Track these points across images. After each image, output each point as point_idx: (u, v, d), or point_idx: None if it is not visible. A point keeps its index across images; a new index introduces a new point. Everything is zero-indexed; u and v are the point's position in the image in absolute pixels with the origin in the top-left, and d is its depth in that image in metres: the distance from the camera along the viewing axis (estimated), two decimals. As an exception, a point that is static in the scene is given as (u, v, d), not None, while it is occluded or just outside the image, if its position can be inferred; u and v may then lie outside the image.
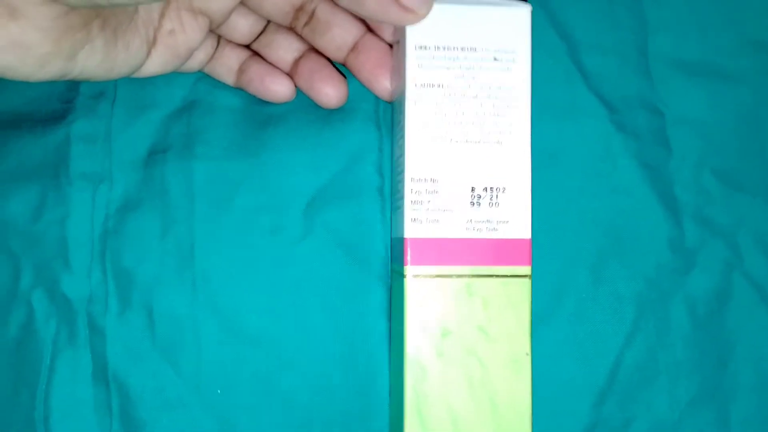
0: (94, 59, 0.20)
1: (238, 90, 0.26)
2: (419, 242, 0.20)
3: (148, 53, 0.22)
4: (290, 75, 0.25)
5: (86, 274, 0.25)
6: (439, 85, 0.21)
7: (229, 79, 0.25)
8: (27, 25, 0.17)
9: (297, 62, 0.25)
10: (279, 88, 0.25)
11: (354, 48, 0.24)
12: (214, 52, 0.25)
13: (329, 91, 0.24)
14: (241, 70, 0.25)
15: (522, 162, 0.21)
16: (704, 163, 0.27)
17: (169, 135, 0.26)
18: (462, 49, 0.21)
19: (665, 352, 0.26)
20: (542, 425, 0.25)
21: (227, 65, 0.25)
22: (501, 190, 0.21)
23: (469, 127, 0.21)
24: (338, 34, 0.24)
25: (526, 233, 0.21)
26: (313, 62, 0.25)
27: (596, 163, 0.27)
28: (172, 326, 0.24)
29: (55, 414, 0.24)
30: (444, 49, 0.21)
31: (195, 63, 0.24)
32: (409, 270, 0.20)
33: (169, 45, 0.22)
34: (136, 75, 0.22)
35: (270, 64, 0.25)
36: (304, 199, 0.25)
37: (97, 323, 0.24)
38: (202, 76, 0.26)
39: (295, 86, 0.25)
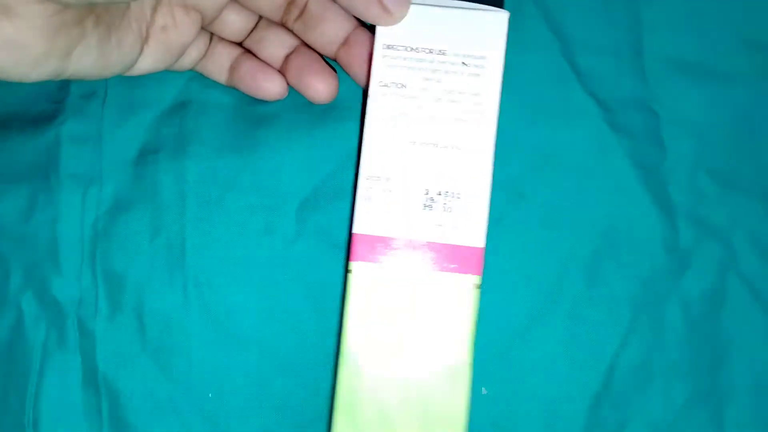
0: (89, 57, 0.20)
1: (230, 89, 0.26)
2: (366, 239, 0.20)
3: (141, 50, 0.21)
4: (282, 71, 0.25)
5: (76, 276, 0.25)
6: (402, 85, 0.21)
7: (221, 77, 0.25)
8: (22, 25, 0.17)
9: (288, 58, 0.25)
10: (271, 86, 0.25)
11: (345, 42, 0.24)
12: (207, 51, 0.25)
13: (319, 86, 0.24)
14: (233, 68, 0.25)
15: (482, 169, 0.21)
16: (699, 163, 0.27)
17: (160, 135, 0.26)
18: (431, 51, 0.21)
19: (660, 353, 0.26)
20: (537, 427, 0.25)
21: (219, 63, 0.25)
22: (456, 196, 0.21)
23: (428, 130, 0.21)
24: (329, 29, 0.24)
25: (479, 242, 0.20)
26: (303, 57, 0.24)
27: (590, 163, 0.27)
28: (162, 329, 0.24)
29: (45, 418, 0.24)
30: (413, 50, 0.21)
31: (187, 61, 0.24)
32: (354, 266, 0.20)
33: (162, 41, 0.22)
34: (129, 73, 0.22)
35: (262, 61, 0.25)
36: (297, 200, 0.25)
37: (86, 326, 0.24)
38: (194, 75, 0.26)
39: (288, 84, 0.25)
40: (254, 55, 0.25)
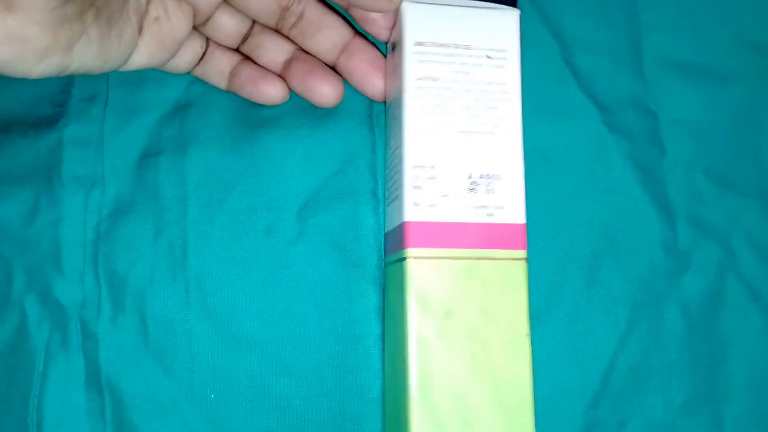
0: (90, 51, 0.20)
1: (230, 93, 0.26)
2: (420, 225, 0.21)
3: (136, 44, 0.22)
4: (283, 77, 0.25)
5: (79, 278, 0.25)
6: (435, 79, 0.22)
7: (221, 83, 0.25)
8: (25, 18, 0.17)
9: (289, 63, 0.25)
10: (272, 91, 0.25)
11: (345, 50, 0.24)
12: (204, 54, 0.25)
13: (326, 91, 0.24)
14: (233, 74, 0.25)
15: (515, 151, 0.22)
16: (697, 163, 0.27)
17: (162, 138, 0.26)
18: (457, 46, 0.22)
19: (659, 353, 0.26)
20: (537, 427, 0.25)
21: (218, 69, 0.25)
22: (496, 178, 0.22)
23: (464, 119, 0.22)
24: (328, 36, 0.24)
25: (520, 218, 0.22)
26: (306, 63, 0.25)
27: (589, 163, 0.27)
28: (165, 330, 0.24)
29: (48, 420, 0.24)
30: (440, 45, 0.22)
31: (182, 63, 0.24)
32: (410, 252, 0.21)
33: (155, 33, 0.22)
34: (124, 68, 0.22)
35: (262, 67, 0.25)
36: (298, 201, 0.25)
37: (89, 328, 0.24)
38: (195, 78, 0.26)
39: (289, 88, 0.25)
40: (253, 61, 0.25)
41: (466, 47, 0.22)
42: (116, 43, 0.21)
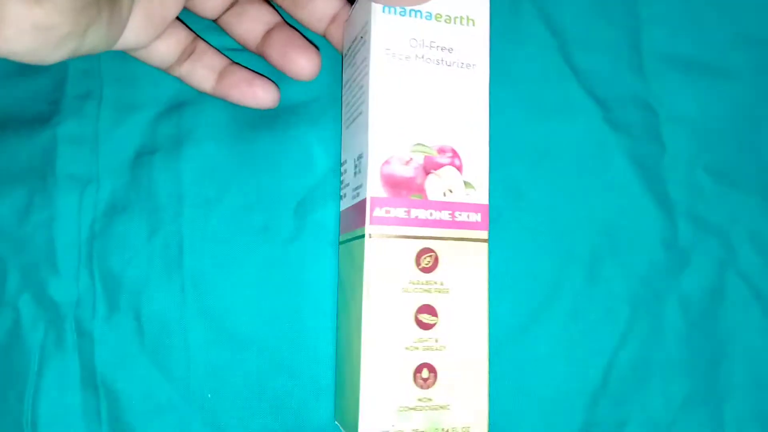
0: (100, 32, 0.20)
1: None
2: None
3: (129, 18, 0.21)
4: (261, 50, 0.25)
5: (74, 277, 0.25)
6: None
7: (207, 84, 0.25)
8: (50, 8, 0.18)
9: (269, 34, 0.25)
10: (262, 95, 0.25)
11: (334, 19, 0.24)
12: (181, 55, 0.24)
13: (304, 62, 0.24)
14: (222, 77, 0.25)
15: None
16: (697, 160, 0.28)
17: (157, 136, 0.26)
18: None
19: (659, 350, 0.26)
20: (536, 425, 0.25)
21: (209, 66, 0.25)
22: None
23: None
24: (320, 6, 0.24)
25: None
26: (285, 33, 0.25)
27: (589, 161, 0.27)
28: (160, 329, 0.24)
29: (43, 420, 0.24)
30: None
31: (165, 52, 0.24)
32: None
33: (145, 8, 0.21)
34: (117, 47, 0.22)
35: (252, 71, 0.25)
36: (294, 199, 0.25)
37: (84, 327, 0.24)
38: None
39: (278, 89, 0.25)
40: (230, 31, 0.25)
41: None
42: (117, 18, 0.20)
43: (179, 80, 0.26)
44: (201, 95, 0.26)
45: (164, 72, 0.25)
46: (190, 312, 0.24)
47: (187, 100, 0.26)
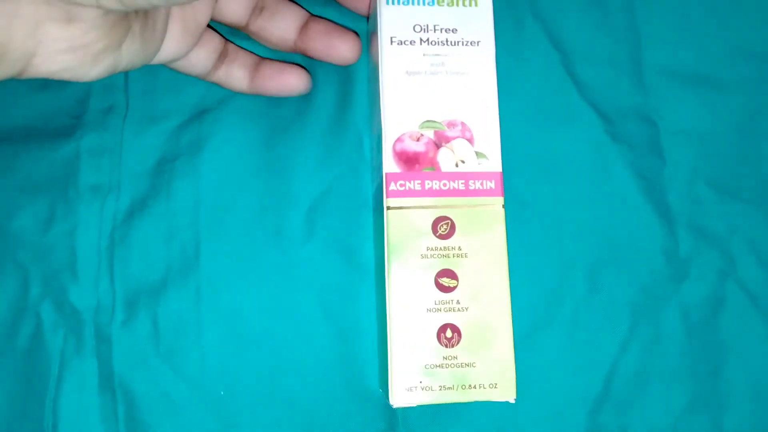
0: (135, 46, 0.20)
1: (246, 97, 0.26)
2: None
3: (166, 30, 0.22)
4: (297, 45, 0.25)
5: (93, 284, 0.25)
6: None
7: (243, 83, 0.26)
8: (85, 27, 0.18)
9: (306, 26, 0.25)
10: (295, 81, 0.25)
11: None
12: (218, 60, 0.25)
13: (348, 47, 0.25)
14: (253, 73, 0.25)
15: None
16: (698, 172, 0.28)
17: (179, 144, 0.26)
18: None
19: (660, 359, 0.26)
20: (540, 432, 0.25)
21: (244, 64, 0.25)
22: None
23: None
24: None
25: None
26: (322, 24, 0.25)
27: (591, 172, 0.27)
28: (175, 331, 0.25)
29: (63, 422, 0.24)
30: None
31: (203, 58, 0.24)
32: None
33: (179, 18, 0.22)
34: (156, 61, 0.23)
35: (282, 62, 0.25)
36: (307, 203, 0.26)
37: (103, 332, 0.25)
38: (212, 84, 0.26)
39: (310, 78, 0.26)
40: (265, 37, 0.25)
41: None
42: (152, 33, 0.21)
43: (202, 89, 0.27)
44: (221, 103, 0.26)
45: (196, 79, 0.26)
46: (205, 314, 0.25)
47: (209, 108, 0.27)
